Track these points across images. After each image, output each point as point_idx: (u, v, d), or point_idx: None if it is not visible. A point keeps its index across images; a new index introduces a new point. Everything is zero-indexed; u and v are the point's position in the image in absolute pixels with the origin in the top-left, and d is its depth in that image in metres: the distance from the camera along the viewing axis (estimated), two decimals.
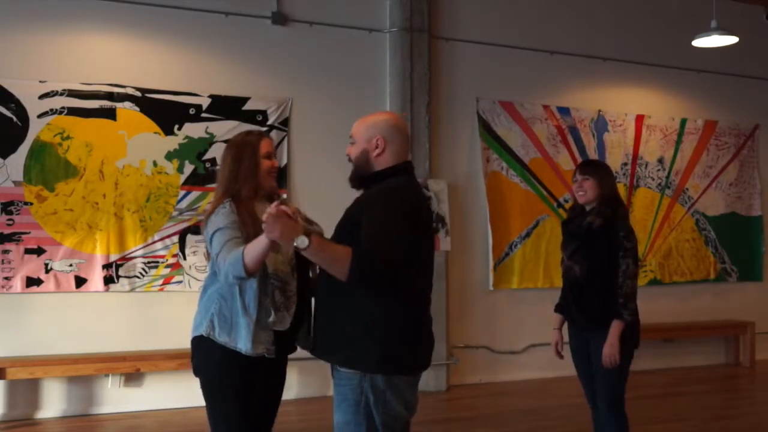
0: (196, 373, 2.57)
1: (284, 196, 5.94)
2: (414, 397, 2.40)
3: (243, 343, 2.44)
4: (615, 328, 3.30)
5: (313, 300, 2.53)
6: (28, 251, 5.30)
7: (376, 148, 2.41)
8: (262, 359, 2.47)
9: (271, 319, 2.45)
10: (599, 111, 7.25)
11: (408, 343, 2.31)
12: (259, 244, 2.26)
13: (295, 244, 2.13)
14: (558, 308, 3.71)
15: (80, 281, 5.41)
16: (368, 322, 2.27)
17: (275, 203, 2.17)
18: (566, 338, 3.65)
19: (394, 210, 2.27)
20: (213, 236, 2.47)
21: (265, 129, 5.94)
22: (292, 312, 2.51)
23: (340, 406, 2.31)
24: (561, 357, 3.68)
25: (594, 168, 3.54)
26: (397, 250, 2.20)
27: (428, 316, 2.46)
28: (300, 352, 2.68)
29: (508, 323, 6.77)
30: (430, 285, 2.49)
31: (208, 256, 2.57)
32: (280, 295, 2.49)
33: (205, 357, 2.51)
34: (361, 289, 2.24)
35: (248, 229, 2.44)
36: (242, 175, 2.56)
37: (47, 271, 5.33)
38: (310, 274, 2.64)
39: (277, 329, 2.48)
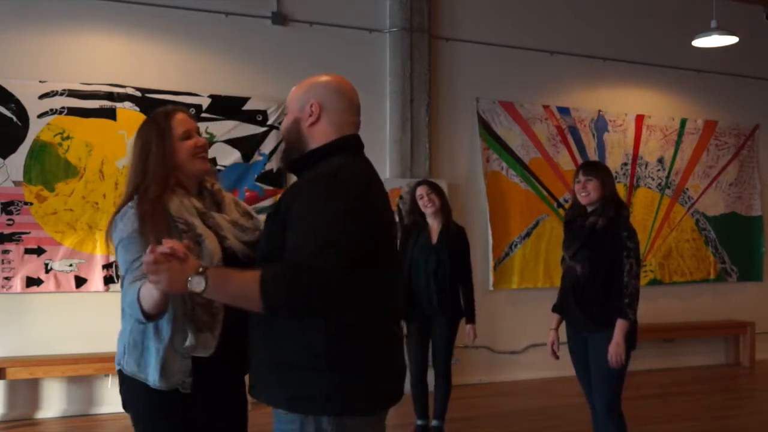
0: (125, 409, 2.09)
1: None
2: None
3: (152, 375, 1.94)
4: (620, 327, 3.31)
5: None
6: (28, 251, 5.30)
7: (310, 115, 1.86)
8: (205, 392, 2.00)
9: (188, 343, 1.92)
10: (599, 111, 7.25)
11: (364, 373, 1.75)
12: (151, 293, 1.75)
13: (189, 289, 1.66)
14: (556, 308, 3.72)
15: (80, 281, 5.41)
16: (311, 348, 1.72)
17: (150, 247, 1.64)
18: (564, 338, 3.65)
19: (330, 204, 1.69)
20: (117, 248, 1.99)
21: (264, 129, 5.95)
22: (218, 333, 1.96)
23: None
24: (557, 357, 3.69)
25: (597, 169, 3.57)
26: (338, 261, 1.64)
27: (394, 337, 1.87)
28: None
29: (508, 323, 6.77)
30: (399, 294, 1.97)
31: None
32: (203, 312, 1.95)
33: (132, 391, 2.04)
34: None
35: (149, 233, 1.91)
36: (150, 167, 2.04)
37: (47, 271, 5.33)
38: None
39: (198, 355, 1.95)
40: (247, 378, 2.10)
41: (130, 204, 2.02)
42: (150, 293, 1.76)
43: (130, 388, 2.04)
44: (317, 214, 1.69)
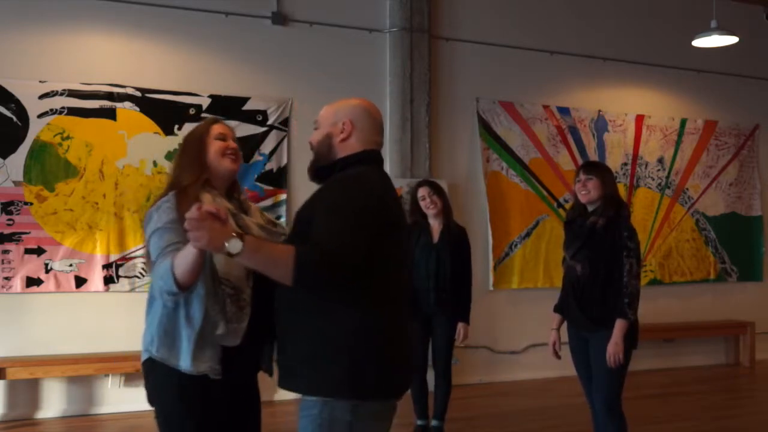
0: (150, 402, 2.18)
1: (284, 197, 5.95)
2: (387, 428, 2.06)
3: (183, 360, 2.06)
4: (619, 327, 3.31)
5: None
6: (28, 251, 5.30)
7: (342, 132, 2.10)
8: (227, 383, 2.12)
9: (219, 331, 2.06)
10: (599, 111, 7.25)
11: (377, 362, 1.95)
12: (187, 254, 1.89)
13: (226, 250, 1.79)
14: (557, 308, 3.72)
15: (80, 281, 5.41)
16: (329, 339, 1.93)
17: (196, 204, 1.80)
18: (565, 338, 3.65)
19: (349, 201, 1.94)
20: (151, 237, 2.12)
21: (264, 129, 5.95)
22: (245, 325, 2.11)
23: None
24: (558, 357, 3.69)
25: (597, 168, 3.58)
26: (351, 248, 1.87)
27: (403, 330, 2.08)
28: None
29: (508, 323, 6.77)
30: (407, 292, 2.15)
31: (147, 259, 2.17)
32: (232, 304, 2.10)
33: (161, 383, 2.15)
34: (313, 296, 1.93)
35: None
36: (187, 163, 2.26)
37: (47, 271, 5.33)
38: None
39: (226, 345, 2.09)
40: (259, 374, 2.29)
41: (165, 198, 2.16)
42: (184, 259, 1.90)
43: (157, 377, 2.14)
44: (339, 210, 1.92)
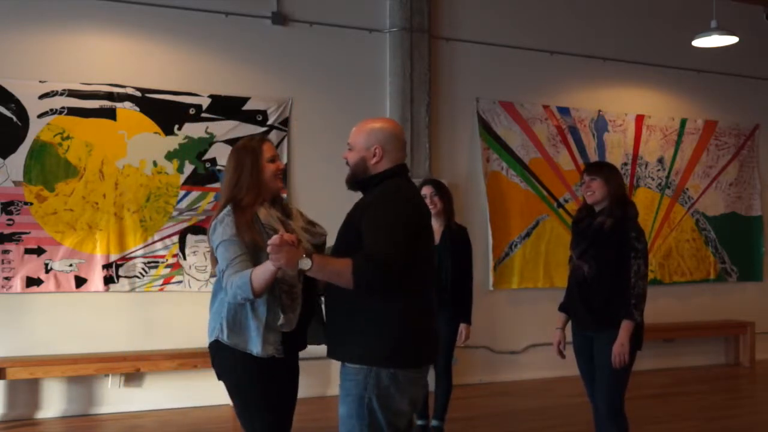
0: (220, 378, 2.65)
1: (284, 196, 5.95)
2: (418, 392, 2.45)
3: (254, 346, 2.52)
4: (625, 328, 3.31)
5: (323, 304, 2.62)
6: (28, 251, 5.30)
7: (374, 156, 2.50)
8: (276, 359, 2.54)
9: (280, 321, 2.52)
10: (599, 111, 7.25)
11: (413, 338, 2.38)
12: (266, 271, 2.36)
13: (299, 267, 2.30)
14: (562, 307, 3.71)
15: (80, 281, 5.41)
16: (375, 319, 2.35)
17: (277, 235, 2.28)
18: (568, 338, 3.65)
19: (393, 213, 2.36)
20: (218, 247, 2.55)
21: (264, 129, 5.95)
22: (298, 313, 2.56)
23: (345, 400, 2.40)
24: (563, 356, 3.68)
25: (600, 169, 3.58)
26: (399, 254, 2.28)
27: (433, 312, 2.51)
28: (300, 353, 2.73)
29: (508, 323, 6.77)
30: (433, 281, 2.55)
31: (213, 261, 2.63)
32: (287, 297, 2.54)
33: (226, 361, 2.59)
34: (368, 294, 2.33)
35: (245, 237, 2.50)
36: (244, 183, 2.60)
37: (47, 271, 5.33)
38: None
39: (284, 330, 2.54)
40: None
41: (226, 211, 2.56)
42: (263, 275, 2.37)
43: (223, 357, 2.58)
44: (383, 221, 2.34)
